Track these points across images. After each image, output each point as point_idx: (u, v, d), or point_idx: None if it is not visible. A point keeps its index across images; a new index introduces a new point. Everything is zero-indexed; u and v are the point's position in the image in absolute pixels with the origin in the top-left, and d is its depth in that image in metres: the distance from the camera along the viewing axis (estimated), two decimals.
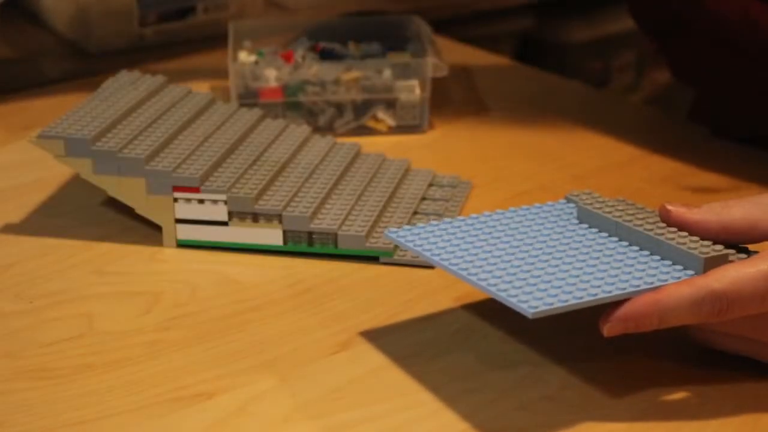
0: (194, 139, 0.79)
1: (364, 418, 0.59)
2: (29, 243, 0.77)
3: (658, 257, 0.61)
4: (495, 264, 0.61)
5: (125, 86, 0.85)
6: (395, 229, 0.66)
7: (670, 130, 0.99)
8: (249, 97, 0.93)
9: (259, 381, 0.62)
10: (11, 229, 0.79)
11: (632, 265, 0.61)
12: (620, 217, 0.64)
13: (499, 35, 1.58)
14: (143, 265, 0.75)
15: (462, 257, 0.62)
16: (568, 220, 0.67)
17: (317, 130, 0.90)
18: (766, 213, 0.61)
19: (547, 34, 1.68)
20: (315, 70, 0.93)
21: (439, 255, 0.62)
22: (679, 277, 0.59)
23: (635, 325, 0.58)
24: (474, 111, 1.01)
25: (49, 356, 0.64)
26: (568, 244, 0.63)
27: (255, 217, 0.75)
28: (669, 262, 0.61)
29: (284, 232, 0.74)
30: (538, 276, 0.59)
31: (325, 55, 0.97)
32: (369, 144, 0.89)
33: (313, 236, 0.74)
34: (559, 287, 0.58)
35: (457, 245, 0.63)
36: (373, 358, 0.64)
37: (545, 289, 0.58)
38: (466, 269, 0.60)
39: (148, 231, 0.77)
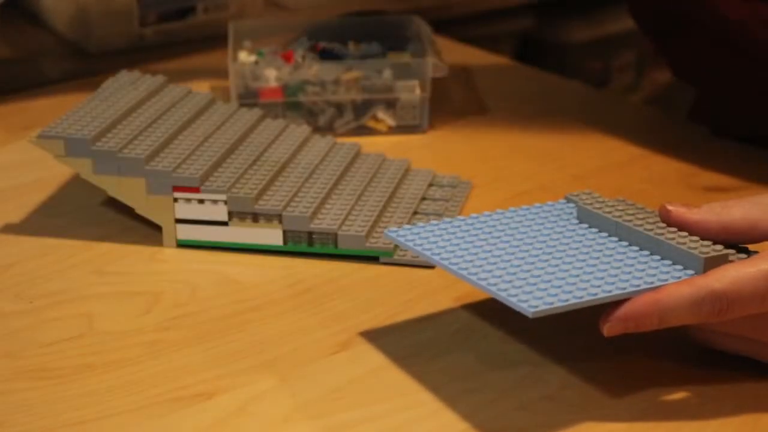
0: (194, 139, 0.79)
1: (364, 418, 0.59)
2: (29, 243, 0.77)
3: (658, 257, 0.61)
4: (495, 264, 0.61)
5: (125, 86, 0.85)
6: (395, 229, 0.66)
7: (670, 130, 0.99)
8: (249, 97, 0.92)
9: (259, 381, 0.62)
10: (11, 229, 0.79)
11: (632, 265, 0.61)
12: (620, 217, 0.64)
13: (499, 35, 1.58)
14: (143, 265, 0.75)
15: (462, 257, 0.62)
16: (568, 220, 0.67)
17: (317, 130, 0.90)
18: (766, 213, 0.61)
19: (547, 34, 1.68)
20: (315, 70, 0.93)
21: (439, 254, 0.62)
22: (679, 277, 0.59)
23: (635, 325, 0.58)
24: (474, 111, 1.01)
25: (49, 356, 0.64)
26: (568, 243, 0.63)
27: (255, 217, 0.75)
28: (669, 262, 0.61)
29: (284, 232, 0.74)
30: (538, 276, 0.59)
31: (325, 55, 0.97)
32: (369, 144, 0.89)
33: (313, 236, 0.74)
34: (559, 287, 0.58)
35: (457, 245, 0.63)
36: (373, 358, 0.64)
37: (545, 289, 0.58)
38: (466, 269, 0.60)
39: (148, 231, 0.77)
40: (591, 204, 0.66)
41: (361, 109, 0.94)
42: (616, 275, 0.59)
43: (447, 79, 0.97)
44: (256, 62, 0.95)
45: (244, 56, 0.97)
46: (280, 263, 0.74)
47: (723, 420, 0.59)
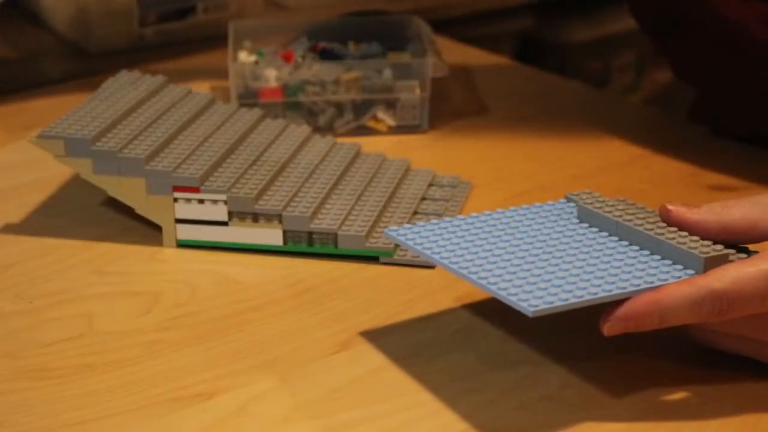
0: (194, 139, 0.79)
1: (364, 418, 0.59)
2: (29, 243, 0.77)
3: (658, 257, 0.61)
4: (495, 263, 0.61)
5: (125, 86, 0.85)
6: (395, 228, 0.66)
7: (670, 130, 0.99)
8: (249, 97, 0.92)
9: (259, 381, 0.62)
10: (11, 229, 0.79)
11: (632, 265, 0.60)
12: (620, 216, 0.64)
13: (499, 35, 1.58)
14: (143, 265, 0.75)
15: (462, 256, 0.62)
16: (568, 219, 0.67)
17: (317, 130, 0.90)
18: (766, 213, 0.61)
19: (547, 34, 1.68)
20: (315, 70, 0.93)
21: (439, 253, 0.62)
22: (680, 277, 0.59)
23: (635, 325, 0.58)
24: (474, 111, 1.01)
25: (49, 356, 0.64)
26: (568, 243, 0.63)
27: (255, 217, 0.75)
28: (669, 262, 0.61)
29: (284, 232, 0.74)
30: (539, 275, 0.59)
31: (325, 55, 0.97)
32: (369, 144, 0.89)
33: (313, 236, 0.74)
34: (559, 286, 0.58)
35: (458, 244, 0.63)
36: (373, 358, 0.64)
37: (545, 288, 0.58)
38: (466, 268, 0.60)
39: (148, 231, 0.77)
40: (591, 203, 0.66)
41: (361, 109, 0.94)
42: (616, 275, 0.59)
43: (447, 79, 0.97)
44: (256, 62, 0.95)
45: (244, 56, 0.97)
46: (280, 263, 0.74)
47: (723, 420, 0.59)
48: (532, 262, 0.61)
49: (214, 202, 0.75)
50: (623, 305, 0.57)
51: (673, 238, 0.61)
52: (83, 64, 1.12)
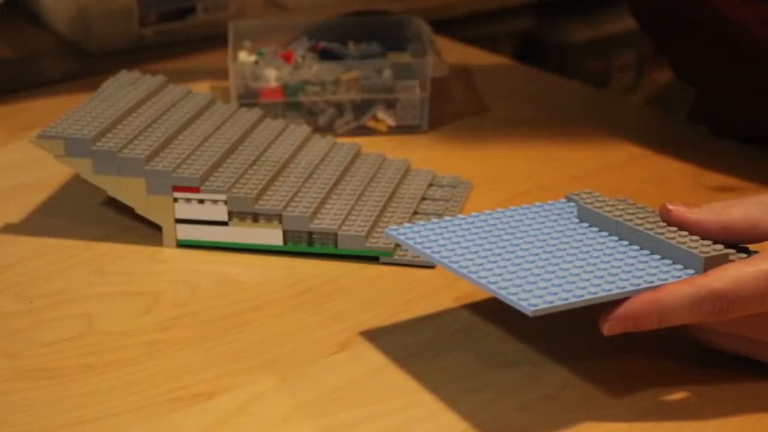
0: (194, 139, 0.79)
1: (364, 418, 0.59)
2: (29, 243, 0.77)
3: (658, 256, 0.61)
4: (495, 262, 0.61)
5: (125, 86, 0.85)
6: (395, 227, 0.66)
7: (670, 130, 0.99)
8: (249, 97, 0.92)
9: (259, 381, 0.62)
10: (11, 229, 0.79)
11: (632, 264, 0.60)
12: (620, 216, 0.64)
13: (499, 35, 1.58)
14: (143, 265, 0.75)
15: (462, 255, 0.62)
16: (568, 219, 0.67)
17: (317, 130, 0.90)
18: (766, 213, 0.61)
19: (547, 34, 1.68)
20: (315, 70, 0.93)
21: (439, 253, 0.62)
22: (679, 277, 0.59)
23: (635, 324, 0.58)
24: (474, 111, 1.01)
25: (49, 356, 0.64)
26: (568, 242, 0.63)
27: (255, 217, 0.75)
28: (669, 262, 0.61)
29: (284, 232, 0.74)
30: (539, 274, 0.59)
31: (325, 55, 0.97)
32: (369, 144, 0.89)
33: (313, 236, 0.74)
34: (560, 285, 0.58)
35: (458, 243, 0.63)
36: (373, 358, 0.64)
37: (545, 288, 0.58)
38: (466, 267, 0.60)
39: (148, 231, 0.77)
40: (591, 203, 0.66)
41: (361, 109, 0.94)
42: (616, 274, 0.59)
43: (447, 79, 0.97)
44: (256, 62, 0.95)
45: (244, 56, 0.97)
46: (280, 263, 0.74)
47: (723, 420, 0.59)
48: (532, 262, 0.61)
49: (214, 202, 0.75)
50: (623, 305, 0.57)
51: (673, 238, 0.61)
52: (83, 64, 1.12)
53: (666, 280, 0.59)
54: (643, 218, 0.64)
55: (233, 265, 0.74)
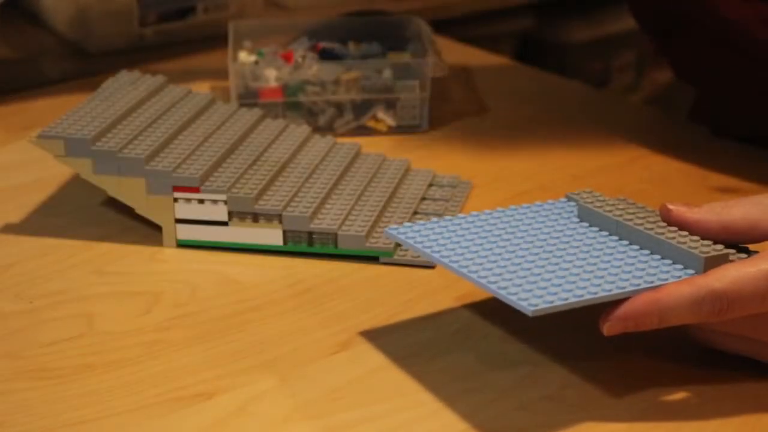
0: (194, 139, 0.79)
1: (364, 418, 0.59)
2: (29, 243, 0.77)
3: (658, 256, 0.61)
4: (495, 262, 0.61)
5: (125, 86, 0.85)
6: (395, 227, 0.66)
7: (670, 130, 0.99)
8: (249, 97, 0.92)
9: (259, 381, 0.62)
10: (11, 229, 0.79)
11: (632, 264, 0.60)
12: (621, 216, 0.64)
13: (499, 35, 1.58)
14: (143, 265, 0.74)
15: (462, 255, 0.62)
16: (568, 218, 0.67)
17: (317, 130, 0.90)
18: (766, 213, 0.61)
19: (547, 34, 1.68)
20: (315, 70, 0.93)
21: (439, 252, 0.62)
22: (680, 277, 0.59)
23: (635, 324, 0.58)
24: (474, 111, 1.01)
25: (49, 356, 0.64)
26: (568, 242, 0.63)
27: (255, 217, 0.75)
28: (669, 262, 0.61)
29: (284, 232, 0.74)
30: (539, 274, 0.59)
31: (325, 55, 0.97)
32: (369, 144, 0.89)
33: (313, 236, 0.74)
34: (560, 285, 0.58)
35: (458, 243, 0.63)
36: (373, 358, 0.64)
37: (545, 287, 0.58)
38: (466, 267, 0.60)
39: (148, 231, 0.77)
40: (592, 203, 0.66)
41: (361, 109, 0.94)
42: (616, 274, 0.59)
43: (447, 79, 0.97)
44: (256, 62, 0.95)
45: (244, 56, 0.97)
46: (280, 263, 0.74)
47: (723, 420, 0.59)
48: (533, 261, 0.61)
49: (214, 202, 0.75)
50: (623, 305, 0.57)
51: (673, 238, 0.61)
52: (83, 64, 1.12)
53: (666, 280, 0.59)
54: (643, 218, 0.64)
55: (233, 265, 0.74)
